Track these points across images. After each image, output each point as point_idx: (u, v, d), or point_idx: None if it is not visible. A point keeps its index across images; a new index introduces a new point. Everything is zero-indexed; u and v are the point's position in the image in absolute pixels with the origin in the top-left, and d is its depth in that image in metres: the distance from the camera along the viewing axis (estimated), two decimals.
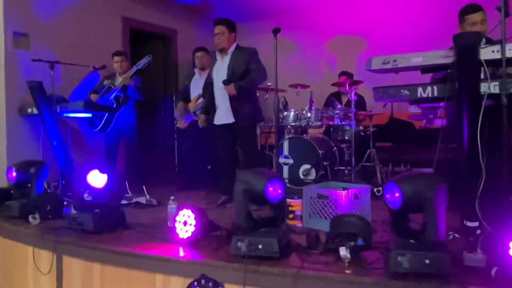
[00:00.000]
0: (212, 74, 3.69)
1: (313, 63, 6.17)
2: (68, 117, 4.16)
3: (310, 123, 4.44)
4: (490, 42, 2.55)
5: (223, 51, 3.58)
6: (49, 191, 3.53)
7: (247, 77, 3.49)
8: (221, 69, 3.58)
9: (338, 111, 4.37)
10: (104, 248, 2.37)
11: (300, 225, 2.64)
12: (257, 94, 3.87)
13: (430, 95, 2.24)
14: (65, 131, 3.91)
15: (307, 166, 4.24)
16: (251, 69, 3.50)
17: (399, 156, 5.02)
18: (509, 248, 1.68)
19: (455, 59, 2.10)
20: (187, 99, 4.58)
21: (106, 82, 4.47)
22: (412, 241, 1.81)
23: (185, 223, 2.30)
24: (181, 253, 2.17)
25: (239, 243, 2.00)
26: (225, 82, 3.47)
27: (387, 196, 1.86)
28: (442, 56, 2.16)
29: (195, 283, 1.71)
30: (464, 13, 2.84)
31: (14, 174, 3.25)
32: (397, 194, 1.81)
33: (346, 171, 4.40)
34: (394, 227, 1.90)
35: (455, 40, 2.07)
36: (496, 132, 2.15)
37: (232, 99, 3.50)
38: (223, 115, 3.60)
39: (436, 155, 2.38)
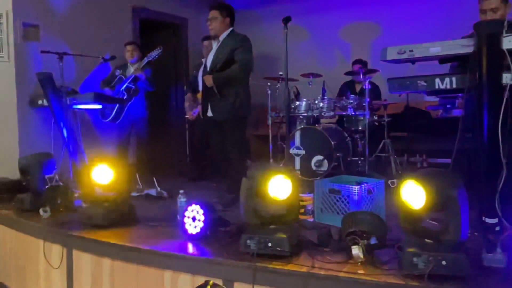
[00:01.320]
0: (206, 62, 3.46)
1: (325, 50, 6.02)
2: (78, 108, 4.15)
3: (322, 113, 4.36)
4: None
5: (216, 37, 3.37)
6: (60, 183, 3.53)
7: (228, 68, 3.22)
8: (209, 57, 3.38)
9: (351, 101, 4.26)
10: (114, 244, 2.35)
11: (311, 220, 2.58)
12: (249, 88, 3.44)
13: (448, 86, 2.14)
14: (75, 122, 3.90)
15: (320, 157, 4.17)
16: (236, 60, 3.21)
17: (414, 146, 4.90)
18: None
19: (475, 48, 1.98)
20: (195, 90, 4.52)
21: (117, 73, 4.44)
22: (428, 240, 1.73)
23: (194, 218, 2.27)
24: (190, 250, 2.14)
25: (248, 241, 1.95)
26: (204, 72, 3.28)
27: (405, 194, 1.78)
28: (462, 45, 2.04)
29: None
30: None
31: None
32: (417, 193, 1.73)
33: (360, 162, 4.31)
34: (409, 226, 1.82)
35: (475, 29, 1.96)
36: None
37: (211, 90, 3.24)
38: (208, 108, 3.39)
39: (454, 146, 2.27)
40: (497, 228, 2.14)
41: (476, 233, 2.16)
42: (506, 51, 1.93)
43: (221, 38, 3.35)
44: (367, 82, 4.12)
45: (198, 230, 2.24)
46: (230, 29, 3.37)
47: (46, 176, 3.25)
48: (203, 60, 4.24)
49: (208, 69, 3.33)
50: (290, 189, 2.03)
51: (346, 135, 4.40)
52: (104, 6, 4.92)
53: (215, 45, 3.41)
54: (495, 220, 2.14)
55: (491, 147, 2.04)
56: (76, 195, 3.30)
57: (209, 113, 3.40)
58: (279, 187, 2.02)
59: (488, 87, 1.96)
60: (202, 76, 3.42)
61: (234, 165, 3.33)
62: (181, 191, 2.78)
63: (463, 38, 2.53)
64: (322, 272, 1.76)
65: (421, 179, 1.74)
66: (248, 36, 3.34)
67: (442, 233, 1.71)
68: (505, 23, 2.50)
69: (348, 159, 4.32)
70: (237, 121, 3.31)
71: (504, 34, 1.92)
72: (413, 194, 1.75)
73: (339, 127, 4.49)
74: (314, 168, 4.19)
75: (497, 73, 1.97)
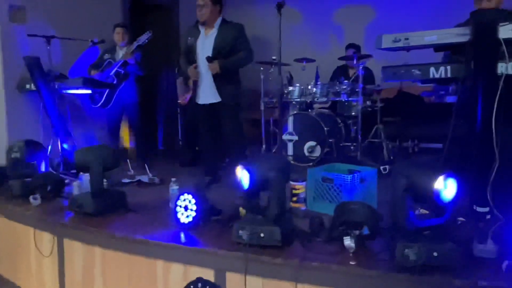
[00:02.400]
0: (197, 48, 3.38)
1: (319, 34, 5.94)
2: (67, 93, 4.07)
3: (315, 99, 4.33)
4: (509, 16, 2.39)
5: (206, 24, 3.32)
6: (50, 169, 3.49)
7: (233, 56, 3.28)
8: (206, 44, 3.31)
9: (345, 86, 4.23)
10: (104, 232, 2.33)
11: (303, 208, 2.58)
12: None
13: (443, 75, 2.12)
14: (64, 107, 3.83)
15: (312, 143, 4.16)
16: (239, 48, 3.28)
17: (407, 131, 4.90)
18: None
19: (471, 37, 1.95)
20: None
21: (106, 56, 4.33)
22: (423, 232, 1.74)
23: (186, 207, 2.25)
24: (182, 240, 2.13)
25: (240, 231, 1.94)
26: (209, 59, 3.22)
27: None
28: (458, 34, 2.01)
29: (191, 286, 1.65)
30: None
31: None
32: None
33: (352, 148, 4.31)
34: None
35: (472, 17, 1.93)
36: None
37: (215, 77, 3.27)
38: (206, 94, 3.38)
39: (448, 132, 2.26)
40: (488, 217, 2.15)
41: (462, 219, 2.16)
42: (502, 41, 1.91)
43: (216, 25, 3.32)
44: (360, 67, 4.08)
45: (190, 219, 2.23)
46: (221, 17, 3.35)
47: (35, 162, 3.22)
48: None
49: (209, 56, 3.26)
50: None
51: (339, 121, 4.38)
52: None
53: (204, 32, 3.36)
54: (486, 209, 2.16)
55: (485, 137, 2.04)
56: (67, 181, 3.27)
57: (206, 100, 3.38)
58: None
59: (483, 77, 1.94)
60: (185, 52, 3.37)
61: (236, 150, 3.42)
62: (173, 179, 2.76)
63: (457, 25, 2.50)
64: (314, 263, 1.76)
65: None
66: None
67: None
68: (505, 13, 2.49)
69: (341, 144, 4.32)
70: (238, 106, 3.41)
71: (501, 23, 1.89)
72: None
73: (332, 113, 4.47)
74: (306, 154, 4.19)
75: (492, 62, 1.95)
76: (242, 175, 1.99)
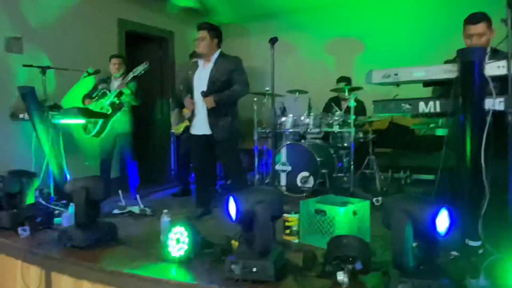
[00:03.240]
0: (193, 81, 3.45)
1: (311, 65, 6.07)
2: (61, 122, 4.06)
3: (308, 130, 4.37)
4: (497, 54, 2.46)
5: (204, 57, 3.40)
6: (40, 199, 3.44)
7: (228, 89, 3.32)
8: (202, 77, 3.37)
9: (337, 118, 4.29)
10: (94, 266, 2.29)
11: (296, 241, 2.56)
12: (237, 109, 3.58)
13: (432, 110, 2.17)
14: (57, 137, 3.81)
15: (305, 173, 4.18)
16: (234, 80, 3.34)
17: (399, 162, 4.94)
18: None
19: (459, 74, 2.01)
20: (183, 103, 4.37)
21: (101, 86, 4.36)
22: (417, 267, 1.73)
23: (177, 240, 2.23)
24: (173, 274, 2.09)
25: (233, 266, 1.92)
26: (203, 94, 3.27)
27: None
28: (446, 70, 2.07)
29: None
30: (464, 22, 2.65)
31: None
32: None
33: (345, 179, 4.32)
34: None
35: (458, 55, 1.99)
36: (501, 146, 2.07)
37: (210, 111, 3.31)
38: (200, 126, 3.41)
39: (439, 164, 2.28)
40: (480, 251, 2.15)
41: (455, 253, 2.15)
42: (489, 78, 1.96)
43: (213, 59, 3.39)
44: (352, 99, 4.15)
45: (181, 253, 2.20)
46: (219, 50, 3.42)
47: (26, 193, 3.18)
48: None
49: (203, 91, 3.31)
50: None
51: (332, 152, 4.42)
52: (89, 18, 4.88)
53: (202, 65, 3.43)
54: (478, 243, 2.15)
55: (474, 171, 2.06)
56: (56, 212, 3.22)
57: (200, 131, 3.40)
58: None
59: (471, 113, 1.98)
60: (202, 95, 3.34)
61: (235, 181, 3.47)
62: (164, 211, 2.74)
63: (446, 62, 2.58)
64: None
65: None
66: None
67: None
68: (489, 49, 2.56)
69: (334, 175, 4.34)
70: (234, 138, 3.46)
71: (487, 61, 1.96)
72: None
73: (324, 143, 4.50)
74: (300, 184, 4.20)
75: (480, 98, 2.00)
76: (231, 206, 1.99)
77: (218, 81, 3.32)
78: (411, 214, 1.71)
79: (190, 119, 3.55)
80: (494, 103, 1.97)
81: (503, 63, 1.94)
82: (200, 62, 3.46)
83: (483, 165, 1.99)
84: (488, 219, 2.09)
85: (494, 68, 1.97)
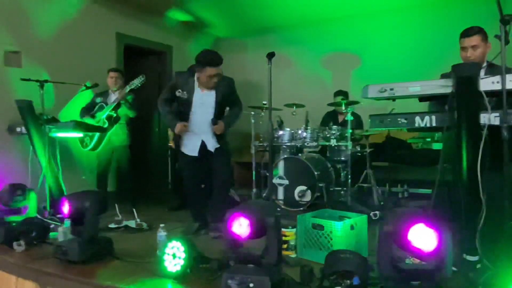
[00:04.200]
0: (192, 104, 3.30)
1: (308, 79, 6.13)
2: (58, 136, 4.06)
3: (305, 143, 4.38)
4: (493, 68, 2.49)
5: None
6: (36, 214, 3.42)
7: (230, 113, 3.45)
8: (206, 102, 3.29)
9: (334, 131, 4.30)
10: (90, 281, 2.26)
11: (293, 256, 2.54)
12: None
13: (428, 124, 2.18)
14: (54, 150, 3.81)
15: (303, 187, 4.17)
16: (232, 102, 3.43)
17: (396, 175, 4.95)
18: None
19: (454, 89, 2.03)
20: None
21: (98, 100, 4.38)
22: (414, 283, 1.72)
23: (174, 255, 2.21)
24: None
25: (229, 281, 1.90)
26: (214, 122, 3.27)
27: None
28: (441, 85, 2.09)
29: None
30: (460, 36, 2.74)
31: None
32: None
33: (343, 193, 4.32)
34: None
35: (454, 71, 2.01)
36: (497, 160, 2.08)
37: (215, 135, 3.34)
38: (194, 148, 3.35)
39: (435, 178, 2.29)
40: (478, 266, 2.14)
41: (453, 268, 2.14)
42: (483, 93, 1.98)
43: None
44: (349, 113, 4.17)
45: (178, 268, 2.18)
46: None
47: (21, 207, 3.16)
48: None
49: (214, 119, 3.31)
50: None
51: (329, 165, 4.42)
52: (88, 32, 4.92)
53: (204, 91, 3.29)
54: (476, 258, 2.15)
55: (471, 185, 2.07)
56: (52, 226, 3.20)
57: (195, 153, 3.35)
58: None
59: (466, 127, 2.00)
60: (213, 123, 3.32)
61: (219, 194, 3.39)
62: (161, 225, 2.72)
63: (442, 75, 2.60)
64: None
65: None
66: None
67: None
68: (485, 64, 2.59)
69: (331, 189, 4.33)
70: (229, 154, 3.52)
71: (482, 76, 1.98)
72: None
73: (322, 157, 4.51)
74: (297, 198, 4.19)
75: (475, 113, 2.01)
76: (240, 223, 1.97)
77: (223, 105, 3.40)
78: (394, 227, 1.74)
79: (176, 140, 3.50)
80: (490, 118, 1.98)
81: (497, 78, 1.97)
82: (195, 84, 3.30)
83: (479, 179, 1.99)
84: (485, 233, 2.09)
85: (488, 83, 1.99)
